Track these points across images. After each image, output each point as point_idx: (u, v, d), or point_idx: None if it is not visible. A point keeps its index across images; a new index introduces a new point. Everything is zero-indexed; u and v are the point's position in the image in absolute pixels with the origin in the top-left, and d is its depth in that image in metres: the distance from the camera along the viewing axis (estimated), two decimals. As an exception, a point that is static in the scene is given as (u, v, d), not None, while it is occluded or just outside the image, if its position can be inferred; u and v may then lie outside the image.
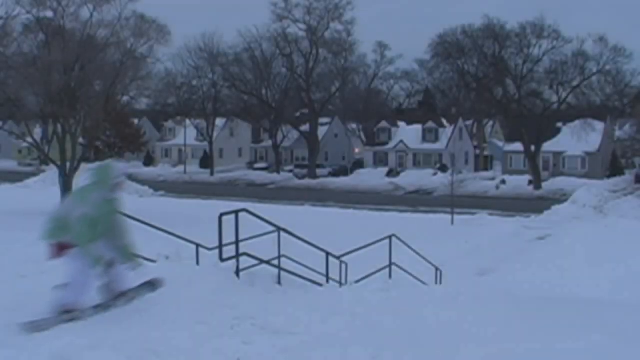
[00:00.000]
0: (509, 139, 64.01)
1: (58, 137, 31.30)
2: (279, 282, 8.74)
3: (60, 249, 6.05)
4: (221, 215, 7.90)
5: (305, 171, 67.57)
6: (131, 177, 54.78)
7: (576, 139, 55.41)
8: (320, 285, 9.50)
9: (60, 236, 6.05)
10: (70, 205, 6.22)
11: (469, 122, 73.99)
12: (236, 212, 8.02)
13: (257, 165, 74.36)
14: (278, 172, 68.09)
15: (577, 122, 55.71)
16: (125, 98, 37.28)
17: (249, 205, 12.37)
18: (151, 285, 6.76)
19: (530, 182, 54.67)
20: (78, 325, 5.85)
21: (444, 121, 72.25)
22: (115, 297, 6.39)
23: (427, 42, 62.06)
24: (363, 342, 5.92)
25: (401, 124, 75.19)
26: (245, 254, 8.26)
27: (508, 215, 35.78)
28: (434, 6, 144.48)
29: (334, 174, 66.91)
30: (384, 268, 12.41)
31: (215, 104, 71.23)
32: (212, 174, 69.34)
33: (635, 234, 22.28)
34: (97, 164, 6.77)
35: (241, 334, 6.14)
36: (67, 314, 5.94)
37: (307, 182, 63.31)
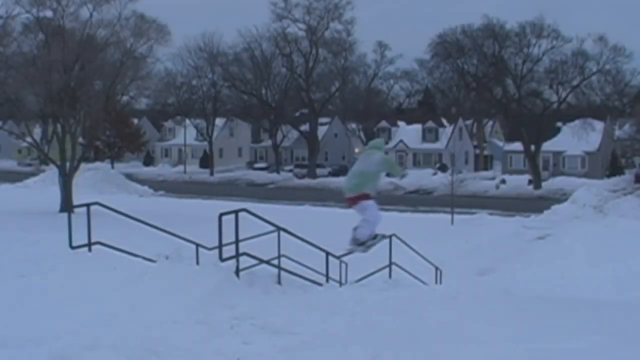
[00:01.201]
0: (509, 139, 63.99)
1: (58, 137, 31.23)
2: (279, 282, 8.74)
3: (356, 199, 8.45)
4: (221, 215, 7.89)
5: (305, 171, 67.55)
6: (131, 177, 54.84)
7: (576, 139, 55.35)
8: (320, 285, 9.49)
9: (356, 190, 8.48)
10: (359, 165, 8.79)
11: (468, 122, 73.99)
12: (236, 212, 8.02)
13: (256, 165, 74.35)
14: (278, 171, 68.06)
15: (577, 122, 55.64)
16: (125, 98, 37.25)
17: (248, 205, 12.39)
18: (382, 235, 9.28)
19: (530, 182, 54.64)
20: (77, 325, 5.85)
21: (444, 121, 72.23)
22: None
23: (427, 42, 62.11)
24: (363, 342, 5.91)
25: (401, 123, 75.12)
26: (245, 253, 8.26)
27: (508, 215, 35.74)
28: (434, 6, 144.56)
29: (334, 173, 66.83)
30: (384, 268, 12.41)
31: (215, 103, 71.20)
32: (211, 173, 69.32)
33: (635, 233, 22.22)
34: (374, 141, 9.32)
35: (241, 334, 6.14)
36: (362, 245, 8.73)
37: (307, 181, 63.29)
